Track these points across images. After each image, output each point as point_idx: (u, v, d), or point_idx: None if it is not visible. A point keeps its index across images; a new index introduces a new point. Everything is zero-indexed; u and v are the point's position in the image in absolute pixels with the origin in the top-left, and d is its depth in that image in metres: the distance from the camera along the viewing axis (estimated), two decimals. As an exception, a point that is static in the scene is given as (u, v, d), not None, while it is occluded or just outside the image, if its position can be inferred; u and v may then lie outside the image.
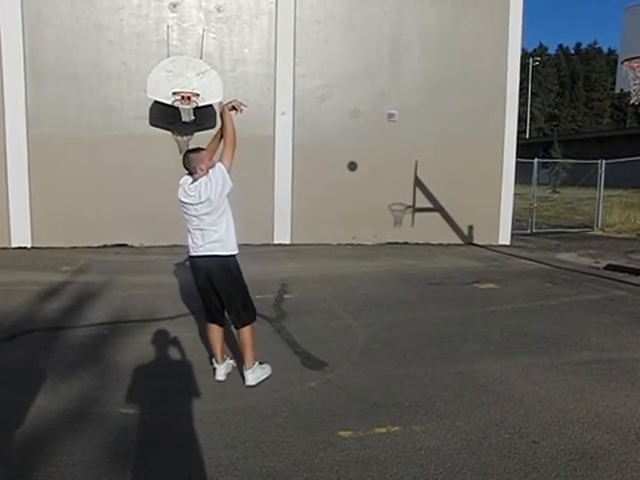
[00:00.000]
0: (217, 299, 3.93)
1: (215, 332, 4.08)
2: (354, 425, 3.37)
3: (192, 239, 3.88)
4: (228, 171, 3.80)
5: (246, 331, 3.95)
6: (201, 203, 3.73)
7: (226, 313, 4.03)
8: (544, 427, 3.37)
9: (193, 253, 3.90)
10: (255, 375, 3.94)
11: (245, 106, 4.07)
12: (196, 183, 3.77)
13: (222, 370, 4.08)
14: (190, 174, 3.83)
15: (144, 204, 10.14)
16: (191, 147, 3.96)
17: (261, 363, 4.07)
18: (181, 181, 3.89)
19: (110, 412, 3.52)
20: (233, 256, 3.93)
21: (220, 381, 4.02)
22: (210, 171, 3.76)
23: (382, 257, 10.04)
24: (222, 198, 3.78)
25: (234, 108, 4.00)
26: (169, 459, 2.97)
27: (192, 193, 3.76)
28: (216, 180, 3.73)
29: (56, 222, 10.26)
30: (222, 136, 3.94)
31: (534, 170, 14.96)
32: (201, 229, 3.82)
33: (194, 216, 3.81)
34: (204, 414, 3.50)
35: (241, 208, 11.94)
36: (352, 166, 11.39)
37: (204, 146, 3.99)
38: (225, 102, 4.10)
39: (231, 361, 4.23)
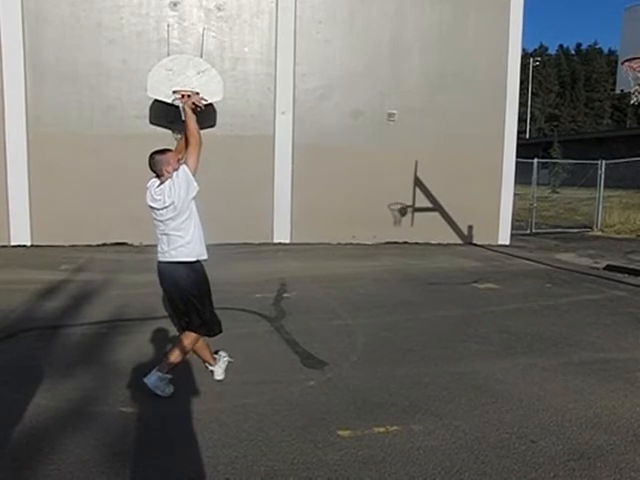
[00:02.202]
0: (184, 306, 3.75)
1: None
2: (353, 424, 3.37)
3: (159, 244, 3.74)
4: (193, 174, 3.63)
5: (190, 338, 3.75)
6: (166, 207, 3.60)
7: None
8: (543, 427, 3.38)
9: (160, 258, 3.75)
10: (156, 383, 3.65)
11: (205, 100, 3.98)
12: (162, 186, 3.62)
13: (219, 369, 4.04)
14: (157, 177, 3.69)
15: (144, 203, 10.12)
16: (158, 149, 3.77)
17: (171, 381, 3.73)
18: (149, 184, 3.74)
19: (109, 411, 3.52)
20: (199, 262, 3.75)
21: (220, 380, 4.01)
22: (174, 174, 3.60)
23: (382, 257, 10.05)
24: (187, 202, 3.63)
25: (195, 105, 3.88)
26: (168, 458, 2.97)
27: (158, 197, 3.62)
28: (179, 184, 3.56)
29: (56, 220, 10.26)
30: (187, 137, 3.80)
31: (534, 170, 14.98)
32: (167, 234, 3.68)
33: (160, 221, 3.67)
34: (203, 413, 3.50)
35: (241, 207, 12.02)
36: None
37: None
38: (185, 101, 3.98)
39: (225, 357, 4.12)
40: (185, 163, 3.66)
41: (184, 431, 3.27)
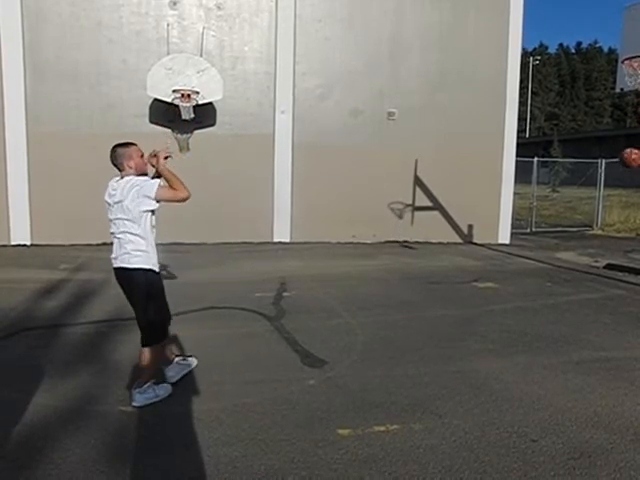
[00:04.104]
0: (134, 310, 3.68)
1: None
2: (353, 423, 3.37)
3: (113, 248, 3.59)
4: (157, 200, 3.45)
5: (146, 352, 3.61)
6: (116, 204, 3.45)
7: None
8: (543, 426, 3.38)
9: (112, 264, 3.60)
10: (145, 396, 3.57)
11: (169, 154, 3.63)
12: (120, 181, 3.48)
13: (171, 372, 3.89)
14: (119, 171, 3.55)
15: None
16: (120, 141, 3.61)
17: (157, 383, 3.70)
18: (112, 180, 3.59)
19: (109, 410, 3.52)
20: (149, 271, 3.54)
21: (170, 383, 3.82)
22: (142, 177, 3.46)
23: (381, 256, 10.04)
24: (137, 210, 3.43)
25: (166, 158, 3.61)
26: (168, 457, 2.97)
27: (113, 192, 3.47)
28: (139, 189, 3.40)
29: (55, 220, 10.25)
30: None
31: (534, 169, 14.96)
32: (118, 238, 3.52)
33: (111, 220, 3.52)
34: (203, 412, 3.50)
35: (241, 206, 12.01)
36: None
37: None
38: (151, 159, 3.60)
39: (183, 361, 4.00)
40: (161, 186, 3.47)
41: (184, 430, 3.27)
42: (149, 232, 3.55)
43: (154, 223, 3.62)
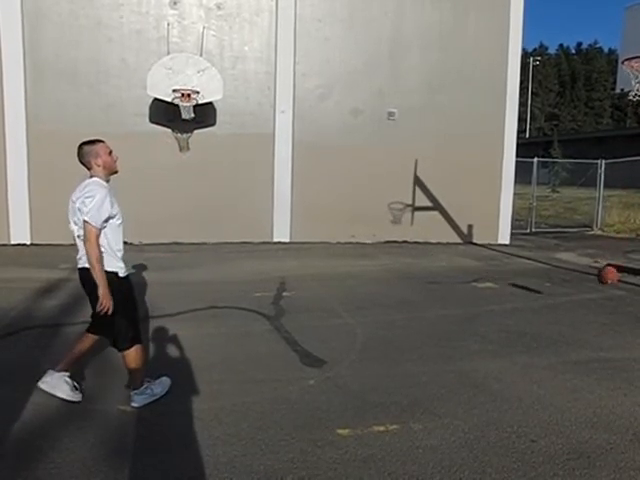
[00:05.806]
0: (97, 314, 3.44)
1: (83, 340, 3.67)
2: (352, 423, 3.37)
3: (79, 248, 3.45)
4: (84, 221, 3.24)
5: (127, 355, 3.50)
6: (73, 203, 3.33)
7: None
8: (542, 426, 3.38)
9: (77, 264, 3.47)
10: (142, 397, 3.54)
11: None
12: (88, 181, 3.34)
13: (48, 378, 3.57)
14: (87, 170, 3.40)
15: (143, 201, 10.13)
16: (88, 139, 3.42)
17: (158, 378, 3.69)
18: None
19: (108, 409, 3.51)
20: (109, 273, 3.35)
21: (39, 387, 3.57)
22: (99, 194, 3.24)
23: (381, 256, 10.04)
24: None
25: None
26: (167, 456, 2.97)
27: (81, 188, 3.35)
28: (88, 204, 3.21)
29: (55, 219, 10.16)
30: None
31: (534, 169, 14.97)
32: (82, 240, 3.34)
33: (76, 224, 3.36)
34: (202, 412, 3.50)
35: (241, 206, 12.00)
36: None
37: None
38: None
39: (67, 379, 3.59)
40: (95, 229, 3.24)
41: (183, 430, 3.27)
42: (110, 235, 3.38)
43: (118, 223, 3.44)
